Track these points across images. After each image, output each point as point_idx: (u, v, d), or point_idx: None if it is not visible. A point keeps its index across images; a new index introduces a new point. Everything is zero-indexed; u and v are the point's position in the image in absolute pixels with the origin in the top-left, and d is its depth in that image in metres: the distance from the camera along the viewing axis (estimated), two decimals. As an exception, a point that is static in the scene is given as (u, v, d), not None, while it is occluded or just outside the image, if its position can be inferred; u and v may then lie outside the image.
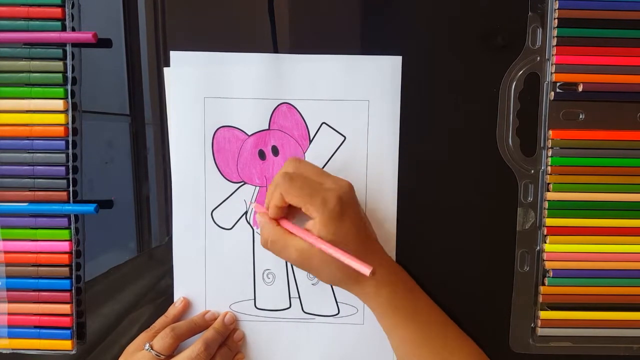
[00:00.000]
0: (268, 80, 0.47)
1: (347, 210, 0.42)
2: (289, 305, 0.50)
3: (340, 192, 0.41)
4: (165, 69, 0.48)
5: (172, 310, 0.49)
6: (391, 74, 0.47)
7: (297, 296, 0.50)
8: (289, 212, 0.44)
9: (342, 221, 0.41)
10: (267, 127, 0.48)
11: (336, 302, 0.50)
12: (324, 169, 0.48)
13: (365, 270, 0.38)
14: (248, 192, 0.49)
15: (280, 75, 0.47)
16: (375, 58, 0.47)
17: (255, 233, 0.49)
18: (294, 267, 0.49)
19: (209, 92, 0.48)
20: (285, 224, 0.43)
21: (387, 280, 0.43)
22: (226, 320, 0.48)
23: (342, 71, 0.47)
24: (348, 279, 0.43)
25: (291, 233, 0.42)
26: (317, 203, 0.41)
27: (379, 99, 0.47)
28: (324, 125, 0.48)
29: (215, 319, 0.49)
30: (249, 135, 0.48)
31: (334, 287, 0.49)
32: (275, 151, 0.48)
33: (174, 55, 0.47)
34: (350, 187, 0.43)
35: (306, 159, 0.48)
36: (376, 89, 0.47)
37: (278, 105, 0.48)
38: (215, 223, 0.49)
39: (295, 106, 0.48)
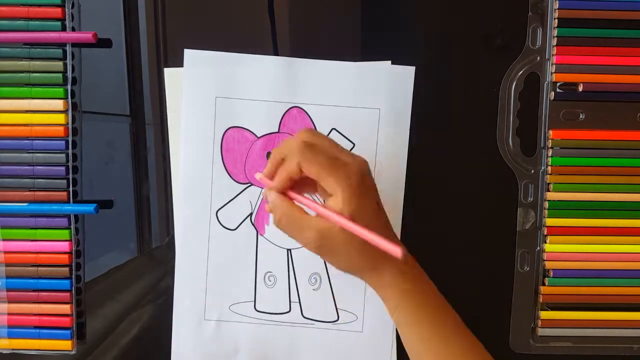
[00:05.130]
0: (280, 84, 0.48)
1: (367, 188, 0.38)
2: (288, 309, 0.50)
3: (361, 168, 0.38)
4: (167, 70, 0.48)
5: None
6: (404, 84, 0.47)
7: (297, 300, 0.50)
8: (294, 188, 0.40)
9: (364, 199, 0.37)
10: (276, 130, 0.48)
11: (336, 309, 0.50)
12: None
13: (396, 251, 0.33)
14: (254, 193, 0.49)
15: (293, 79, 0.47)
16: (388, 67, 0.47)
17: (258, 235, 0.49)
18: (296, 271, 0.49)
19: (221, 92, 0.48)
20: (298, 197, 0.39)
21: (404, 270, 0.40)
22: None
23: (354, 78, 0.47)
24: (367, 265, 0.39)
25: (304, 212, 0.38)
26: (340, 177, 0.36)
27: (390, 108, 0.47)
28: (333, 131, 0.48)
29: None
30: (258, 137, 0.48)
31: (334, 293, 0.49)
32: (283, 155, 0.48)
33: (187, 53, 0.47)
34: (367, 164, 0.39)
35: None
36: (388, 98, 0.47)
37: (289, 109, 0.48)
38: (219, 223, 0.49)
39: (306, 110, 0.48)
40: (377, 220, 0.39)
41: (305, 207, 0.39)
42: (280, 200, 0.39)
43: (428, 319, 0.41)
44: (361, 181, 0.37)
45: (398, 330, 0.43)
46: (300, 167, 0.37)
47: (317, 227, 0.37)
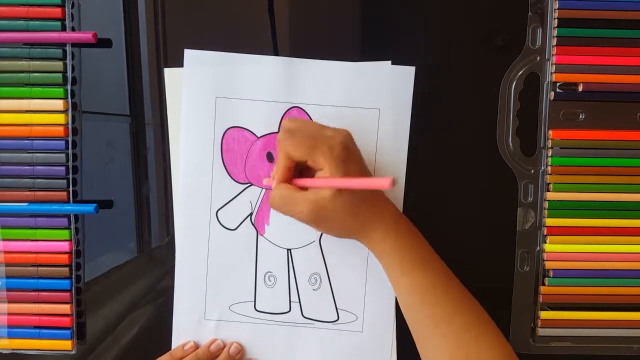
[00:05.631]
0: (280, 83, 0.48)
1: (351, 155, 0.42)
2: (288, 309, 0.50)
3: (342, 139, 0.41)
4: (167, 70, 0.48)
5: (178, 352, 0.49)
6: (404, 84, 0.47)
7: (297, 300, 0.50)
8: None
9: (348, 165, 0.41)
10: (276, 130, 0.48)
11: (336, 309, 0.50)
12: None
13: (384, 182, 0.34)
14: (254, 193, 0.49)
15: (292, 78, 0.47)
16: (388, 67, 0.47)
17: (258, 235, 0.49)
18: (296, 271, 0.49)
19: (221, 92, 0.48)
20: (297, 180, 0.42)
21: (393, 226, 0.43)
22: (231, 352, 0.49)
23: (354, 78, 0.47)
24: (359, 227, 0.42)
25: (300, 189, 0.41)
26: (324, 150, 0.40)
27: (390, 108, 0.47)
28: None
29: (220, 349, 0.49)
30: (258, 137, 0.48)
31: (334, 293, 0.49)
32: (284, 154, 0.48)
33: (187, 53, 0.47)
34: (350, 134, 0.43)
35: None
36: (388, 98, 0.47)
37: (289, 109, 0.48)
38: (219, 223, 0.49)
39: (306, 110, 0.48)
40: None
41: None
42: (275, 184, 0.42)
43: (420, 270, 0.43)
44: (344, 150, 0.41)
45: (393, 287, 0.44)
46: (288, 154, 0.41)
47: (309, 199, 0.40)
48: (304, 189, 0.42)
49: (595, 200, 0.48)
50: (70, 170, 0.48)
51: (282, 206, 0.42)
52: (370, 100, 0.47)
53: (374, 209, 0.42)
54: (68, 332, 0.49)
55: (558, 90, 0.47)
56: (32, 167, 0.48)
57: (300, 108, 0.48)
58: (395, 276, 0.43)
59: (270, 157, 0.48)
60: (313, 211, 0.40)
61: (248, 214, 0.49)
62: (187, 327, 0.50)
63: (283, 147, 0.41)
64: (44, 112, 0.48)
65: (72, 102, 0.48)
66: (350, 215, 0.41)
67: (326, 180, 0.40)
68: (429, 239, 0.49)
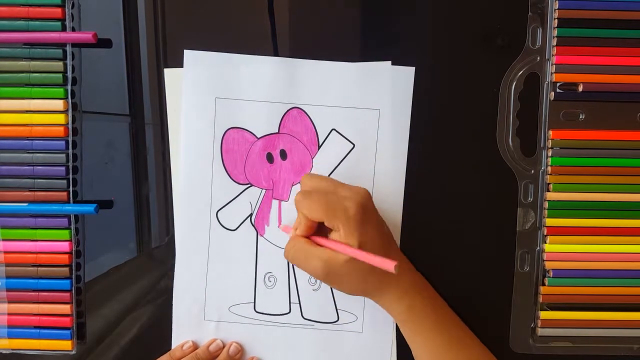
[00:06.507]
0: (280, 84, 0.47)
1: (368, 216, 0.42)
2: (288, 310, 0.50)
3: (358, 199, 0.41)
4: (167, 70, 0.48)
5: (177, 352, 0.49)
6: (404, 85, 0.47)
7: (297, 301, 0.50)
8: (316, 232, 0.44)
9: (365, 227, 0.41)
10: (276, 131, 0.48)
11: (336, 309, 0.50)
12: (331, 176, 0.48)
13: (390, 265, 0.37)
14: (254, 194, 0.49)
15: (292, 79, 0.47)
16: (388, 67, 0.47)
17: (258, 236, 0.49)
18: (296, 271, 0.49)
19: (221, 92, 0.48)
20: (315, 238, 0.43)
21: (408, 287, 0.44)
22: (231, 352, 0.49)
23: (354, 78, 0.47)
24: (371, 288, 0.43)
25: (315, 244, 0.42)
26: (339, 214, 0.40)
27: (390, 108, 0.47)
28: (333, 131, 0.48)
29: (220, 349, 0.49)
30: (258, 138, 0.48)
31: (334, 294, 0.49)
32: (283, 155, 0.48)
33: (187, 54, 0.47)
34: (367, 193, 0.43)
35: (314, 165, 0.48)
36: (388, 98, 0.47)
37: (289, 110, 0.48)
38: (220, 223, 0.49)
39: (306, 111, 0.48)
40: (380, 244, 0.42)
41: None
42: (293, 235, 0.43)
43: (435, 330, 0.43)
44: (360, 212, 0.40)
45: (408, 343, 0.45)
46: (305, 216, 0.41)
47: (322, 257, 0.41)
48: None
49: (595, 200, 0.48)
50: (70, 171, 0.48)
51: (295, 259, 0.43)
52: (370, 100, 0.47)
53: (388, 274, 0.40)
54: (68, 332, 0.49)
55: (558, 90, 0.47)
56: (32, 167, 0.48)
57: (300, 109, 0.48)
58: (409, 335, 0.44)
59: (270, 158, 0.48)
60: (325, 269, 0.41)
61: (248, 214, 0.49)
62: (187, 328, 0.50)
63: (300, 208, 0.42)
64: (44, 112, 0.48)
65: (72, 102, 0.48)
66: (360, 279, 0.42)
67: (339, 246, 0.40)
68: (429, 239, 0.49)
